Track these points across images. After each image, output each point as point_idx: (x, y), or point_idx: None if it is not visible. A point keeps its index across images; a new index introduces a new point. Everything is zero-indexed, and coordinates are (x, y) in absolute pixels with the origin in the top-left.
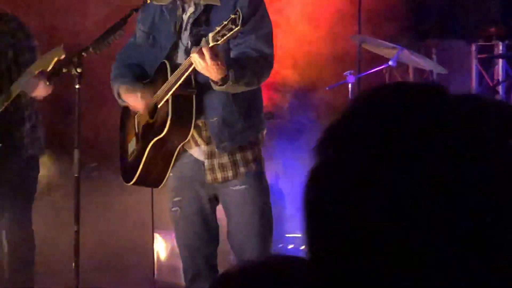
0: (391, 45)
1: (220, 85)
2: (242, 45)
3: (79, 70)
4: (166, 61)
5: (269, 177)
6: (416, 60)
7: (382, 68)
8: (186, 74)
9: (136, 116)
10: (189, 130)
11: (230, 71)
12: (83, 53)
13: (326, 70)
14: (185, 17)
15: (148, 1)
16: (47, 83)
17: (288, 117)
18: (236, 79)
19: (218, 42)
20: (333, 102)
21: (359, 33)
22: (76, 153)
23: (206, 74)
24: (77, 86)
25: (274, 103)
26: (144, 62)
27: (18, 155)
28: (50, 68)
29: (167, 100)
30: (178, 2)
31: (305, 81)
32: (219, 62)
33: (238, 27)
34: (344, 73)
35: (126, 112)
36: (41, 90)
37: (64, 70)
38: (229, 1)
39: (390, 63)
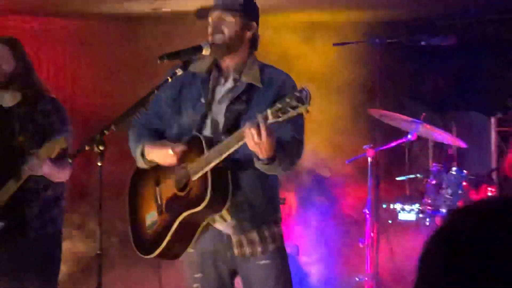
0: (410, 119)
1: (264, 164)
2: (279, 132)
3: (101, 148)
4: (200, 135)
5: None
6: (435, 134)
7: (401, 142)
8: (234, 149)
9: (158, 187)
10: (224, 206)
11: (278, 151)
12: (105, 131)
13: (345, 144)
14: (220, 90)
15: (178, 74)
16: (69, 162)
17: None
18: (280, 160)
19: (280, 119)
20: (353, 175)
21: (378, 107)
22: (98, 231)
23: (255, 150)
24: (99, 164)
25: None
26: (166, 129)
27: (26, 234)
28: (53, 155)
29: (205, 173)
30: (215, 73)
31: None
32: (272, 141)
33: (306, 105)
34: (364, 147)
35: (138, 181)
36: (48, 171)
37: (86, 148)
38: (272, 85)
39: (409, 137)
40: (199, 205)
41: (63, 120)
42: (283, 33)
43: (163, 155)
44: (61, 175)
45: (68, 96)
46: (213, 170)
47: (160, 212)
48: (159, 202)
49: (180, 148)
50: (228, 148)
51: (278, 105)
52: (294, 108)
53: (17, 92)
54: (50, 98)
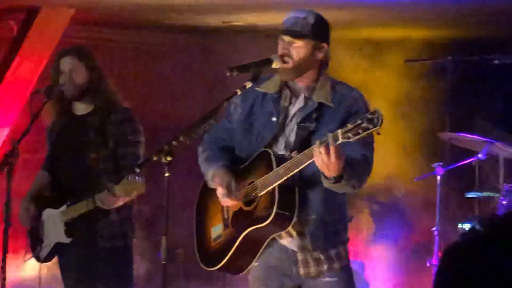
0: (482, 138)
1: (332, 182)
2: (349, 150)
3: (169, 158)
4: (270, 151)
5: None
6: (508, 151)
7: (471, 161)
8: (303, 166)
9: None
10: (290, 223)
11: (346, 171)
12: (173, 142)
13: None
14: (291, 109)
15: (248, 86)
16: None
17: None
18: (347, 178)
19: (350, 140)
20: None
21: (449, 127)
22: (163, 240)
23: (323, 169)
24: (166, 174)
25: None
26: (236, 147)
27: (97, 248)
28: (130, 198)
29: (273, 190)
30: (285, 93)
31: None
32: (340, 161)
33: (377, 127)
34: (433, 165)
35: (208, 194)
36: (121, 203)
37: (154, 158)
38: (342, 103)
39: (480, 156)
40: (264, 221)
41: (135, 130)
42: (351, 50)
43: (224, 195)
44: (134, 196)
45: (139, 108)
46: (280, 186)
47: (226, 226)
48: (226, 216)
49: (240, 192)
50: (297, 165)
51: (350, 126)
52: (365, 129)
53: (91, 102)
54: (123, 108)
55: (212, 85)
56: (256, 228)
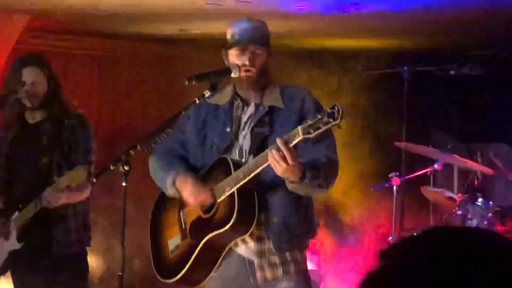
0: (435, 150)
1: (295, 183)
2: (312, 153)
3: (126, 168)
4: (227, 157)
5: None
6: (462, 162)
7: (426, 171)
8: (260, 169)
9: (182, 211)
10: (251, 226)
11: (307, 171)
12: (130, 151)
13: (371, 172)
14: (243, 117)
15: (197, 102)
16: (93, 181)
17: None
18: (312, 179)
19: (311, 135)
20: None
21: (405, 136)
22: (121, 251)
23: (282, 173)
24: (123, 184)
25: None
26: (190, 158)
27: (52, 254)
28: (73, 185)
29: (232, 194)
30: (237, 103)
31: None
32: (298, 163)
33: (338, 121)
34: (389, 175)
35: (163, 206)
36: (64, 201)
37: (111, 168)
38: (293, 104)
39: (436, 166)
40: (224, 226)
41: (87, 136)
42: (305, 60)
43: (190, 191)
44: (79, 198)
45: (94, 115)
46: (240, 191)
47: (183, 236)
48: (183, 226)
49: (206, 189)
50: (255, 168)
51: (310, 121)
52: (326, 124)
53: (45, 110)
54: (76, 114)
55: (169, 94)
56: (217, 234)
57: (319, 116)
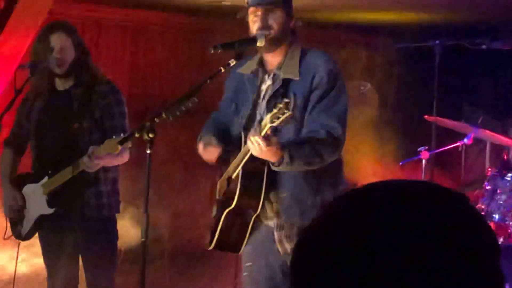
0: (466, 124)
1: (276, 166)
2: (315, 123)
3: (151, 135)
4: (242, 133)
5: None
6: (492, 138)
7: (457, 146)
8: (247, 157)
9: (218, 183)
10: (259, 204)
11: (285, 152)
12: (155, 119)
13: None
14: (263, 88)
15: (232, 64)
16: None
17: None
18: (291, 160)
19: (274, 124)
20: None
21: (436, 111)
22: (145, 218)
23: (262, 157)
24: (148, 151)
25: None
26: (229, 126)
27: (83, 218)
28: (116, 152)
29: (239, 172)
30: (260, 73)
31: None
32: (274, 147)
33: (289, 113)
34: (418, 149)
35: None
36: (104, 164)
37: (136, 135)
38: (307, 75)
39: (465, 140)
40: (231, 205)
41: (119, 101)
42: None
43: (208, 155)
44: (118, 162)
45: (126, 86)
46: (246, 169)
47: (218, 207)
48: (217, 197)
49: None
50: (247, 150)
51: (274, 110)
52: (283, 114)
53: (74, 77)
54: (106, 80)
55: (201, 65)
56: (230, 210)
57: (280, 105)
